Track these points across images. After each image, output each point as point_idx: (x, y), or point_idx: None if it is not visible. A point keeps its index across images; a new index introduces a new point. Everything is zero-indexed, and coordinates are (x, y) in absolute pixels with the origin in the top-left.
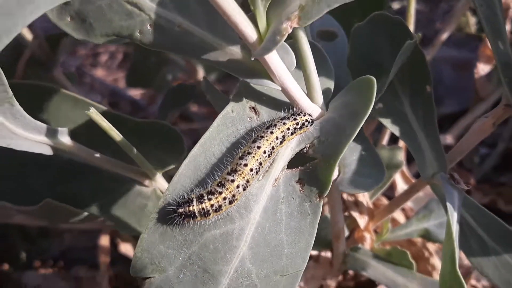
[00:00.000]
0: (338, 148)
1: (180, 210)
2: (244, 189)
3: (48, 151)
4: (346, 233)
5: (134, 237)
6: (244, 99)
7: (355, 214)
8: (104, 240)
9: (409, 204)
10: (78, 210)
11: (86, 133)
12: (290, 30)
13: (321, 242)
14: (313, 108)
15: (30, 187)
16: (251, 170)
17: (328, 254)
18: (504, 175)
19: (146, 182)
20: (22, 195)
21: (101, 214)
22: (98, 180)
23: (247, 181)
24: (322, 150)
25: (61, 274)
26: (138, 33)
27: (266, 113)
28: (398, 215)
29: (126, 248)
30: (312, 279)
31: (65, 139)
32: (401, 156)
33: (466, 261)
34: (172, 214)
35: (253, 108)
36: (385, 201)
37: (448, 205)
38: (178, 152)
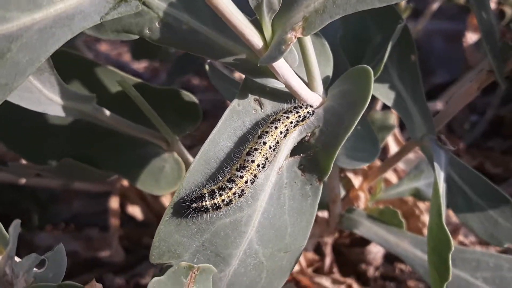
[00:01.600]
0: (338, 138)
1: (194, 205)
2: (252, 183)
3: (77, 116)
4: (343, 193)
5: (141, 200)
6: (249, 94)
7: (350, 175)
8: (114, 203)
9: (401, 165)
10: (96, 170)
11: (108, 98)
12: (294, 40)
13: (319, 204)
14: (314, 97)
15: (52, 149)
16: (258, 165)
17: (325, 214)
18: (492, 140)
19: (164, 145)
20: (44, 155)
21: (120, 173)
22: (118, 143)
23: (255, 176)
24: (322, 139)
25: (72, 236)
26: (147, 31)
27: (270, 105)
28: (391, 176)
29: (133, 210)
30: (310, 237)
31: (92, 105)
32: (393, 119)
33: (454, 219)
34: (186, 209)
35: (258, 100)
36: (378, 162)
37: (435, 164)
38: (194, 117)
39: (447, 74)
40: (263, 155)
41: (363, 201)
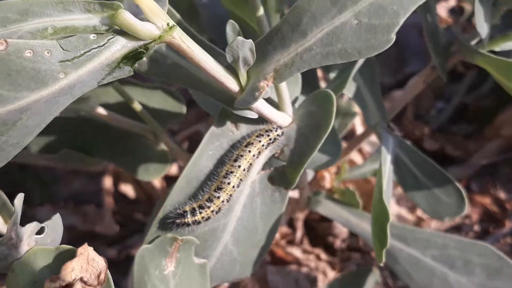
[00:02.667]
0: (303, 158)
1: (177, 221)
2: (228, 201)
3: (75, 113)
4: (312, 174)
5: (133, 179)
6: (226, 119)
7: None
8: (108, 182)
9: (367, 148)
10: (91, 158)
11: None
12: (266, 88)
13: None
14: (284, 118)
15: (51, 141)
16: (233, 187)
17: (296, 194)
18: (456, 126)
19: (152, 137)
20: (44, 146)
21: (114, 162)
22: (111, 135)
23: (231, 195)
24: (290, 157)
25: (70, 211)
26: (136, 64)
27: (244, 127)
28: (357, 157)
29: (126, 189)
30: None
31: (89, 104)
32: (356, 107)
33: None
34: (171, 224)
35: (234, 122)
36: (344, 145)
37: (382, 147)
38: (179, 112)
39: (420, 64)
40: (238, 177)
41: (328, 181)
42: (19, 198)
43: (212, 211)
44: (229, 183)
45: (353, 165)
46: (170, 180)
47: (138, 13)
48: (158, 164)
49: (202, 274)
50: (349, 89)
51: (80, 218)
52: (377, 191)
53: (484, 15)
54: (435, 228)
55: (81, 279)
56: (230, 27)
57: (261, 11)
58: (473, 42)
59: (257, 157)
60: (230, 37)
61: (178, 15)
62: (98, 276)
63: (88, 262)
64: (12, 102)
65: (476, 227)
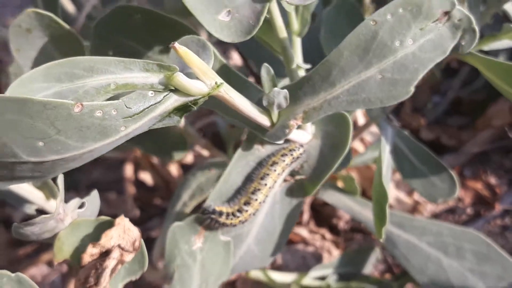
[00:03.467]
0: (322, 174)
1: (213, 216)
2: (253, 215)
3: None
4: None
5: (151, 167)
6: (253, 142)
7: None
8: (128, 171)
9: (368, 137)
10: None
11: None
12: (295, 126)
13: None
14: (305, 136)
15: None
16: (260, 203)
17: None
18: (451, 118)
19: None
20: None
21: (140, 146)
22: None
23: (257, 209)
24: (308, 172)
25: None
26: None
27: (269, 145)
28: (359, 146)
29: (144, 176)
30: None
31: None
32: None
33: None
34: (208, 213)
35: (260, 142)
36: None
37: (382, 137)
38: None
39: None
40: (264, 194)
41: None
42: (60, 178)
43: (240, 221)
44: (256, 199)
45: (355, 153)
46: (186, 168)
47: (185, 68)
48: (179, 149)
49: (226, 250)
50: None
51: (103, 204)
52: (377, 175)
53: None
54: (431, 211)
55: (119, 246)
56: (265, 70)
57: (284, 34)
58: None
59: (281, 175)
60: (264, 80)
61: (223, 60)
62: (134, 243)
63: (124, 231)
64: (77, 150)
65: (469, 210)
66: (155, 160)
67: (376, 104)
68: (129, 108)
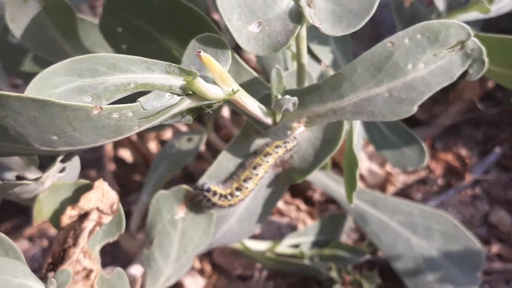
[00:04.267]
0: (310, 167)
1: (206, 194)
2: (243, 200)
3: None
4: None
5: (130, 144)
6: (249, 130)
7: None
8: (109, 148)
9: None
10: None
11: None
12: (298, 129)
13: None
14: (299, 128)
15: None
16: (250, 191)
17: None
18: None
19: None
20: None
21: None
22: None
23: (246, 196)
24: (297, 163)
25: None
26: None
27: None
28: None
29: (124, 154)
30: None
31: None
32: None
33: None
34: (201, 190)
35: (256, 132)
36: None
37: None
38: None
39: None
40: (255, 183)
41: None
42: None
43: (230, 205)
44: (247, 187)
45: None
46: (164, 144)
47: (202, 68)
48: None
49: (208, 222)
50: (327, 58)
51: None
52: (348, 143)
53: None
54: (403, 181)
55: (97, 208)
56: (275, 72)
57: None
58: (434, 15)
59: (273, 165)
60: (274, 82)
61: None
62: (111, 206)
63: (103, 194)
64: (89, 144)
65: (440, 181)
66: (134, 137)
67: (378, 118)
68: (146, 110)
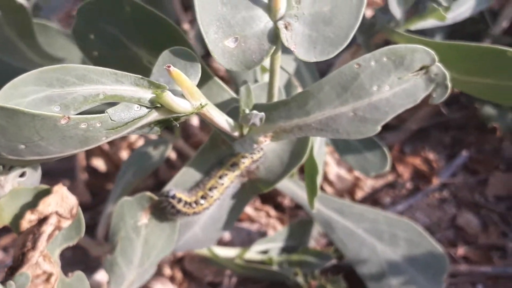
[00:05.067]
0: (276, 179)
1: (171, 200)
2: (207, 209)
3: None
4: None
5: (103, 153)
6: (216, 140)
7: None
8: (81, 158)
9: None
10: None
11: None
12: (264, 143)
13: None
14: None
15: None
16: (215, 200)
17: None
18: None
19: None
20: None
21: None
22: None
23: (211, 204)
24: (263, 174)
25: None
26: None
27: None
28: None
29: (97, 163)
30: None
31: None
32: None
33: None
34: (165, 197)
35: (223, 142)
36: None
37: None
38: None
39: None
40: (220, 193)
41: None
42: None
43: (194, 213)
44: (212, 196)
45: None
46: None
47: (171, 82)
48: None
49: (171, 228)
50: (291, 66)
51: None
52: (310, 151)
53: (397, 1)
54: (371, 186)
55: (56, 212)
56: (245, 88)
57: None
58: (393, 23)
59: (239, 175)
60: (243, 96)
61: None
62: (71, 211)
63: (62, 199)
64: (56, 154)
65: (408, 185)
66: (106, 146)
67: (342, 136)
68: (114, 121)
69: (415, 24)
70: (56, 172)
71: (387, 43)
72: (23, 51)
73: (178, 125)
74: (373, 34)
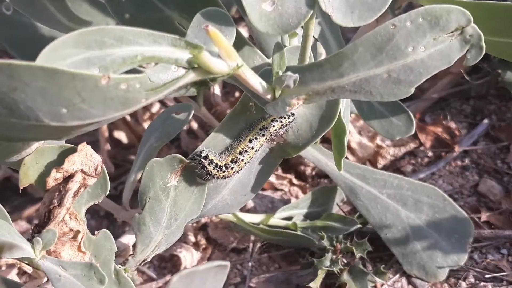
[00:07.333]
0: (305, 143)
1: (203, 161)
2: (237, 172)
3: None
4: None
5: (125, 125)
6: (247, 101)
7: None
8: (104, 130)
9: None
10: None
11: None
12: (297, 105)
13: None
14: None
15: None
16: (245, 163)
17: None
18: None
19: None
20: None
21: None
22: None
23: (241, 168)
24: (292, 138)
25: None
26: None
27: (261, 108)
28: None
29: (119, 135)
30: None
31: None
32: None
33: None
34: (197, 157)
35: (253, 104)
36: None
37: None
38: None
39: None
40: (250, 156)
41: None
42: None
43: (224, 176)
44: (242, 160)
45: None
46: None
47: (207, 42)
48: None
49: (200, 192)
50: (315, 31)
51: None
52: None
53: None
54: (393, 154)
55: (82, 170)
56: (277, 48)
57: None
58: None
59: (268, 139)
60: (275, 58)
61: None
62: (96, 169)
63: (87, 157)
64: (98, 118)
65: (430, 153)
66: (128, 118)
67: (376, 98)
68: (152, 82)
69: None
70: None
71: (411, 6)
72: (52, 13)
73: (201, 94)
74: None
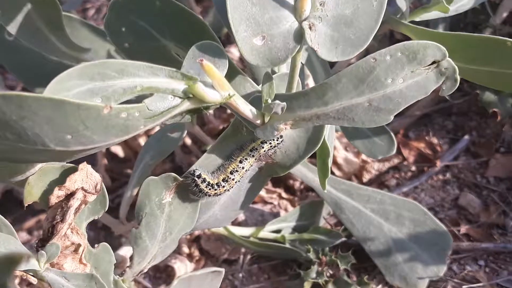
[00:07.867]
0: (292, 164)
1: (196, 179)
2: (228, 191)
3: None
4: None
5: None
6: (237, 125)
7: None
8: None
9: None
10: None
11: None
12: (284, 130)
13: None
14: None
15: None
16: (236, 182)
17: None
18: None
19: None
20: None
21: None
22: None
23: (232, 187)
24: (280, 158)
25: None
26: None
27: (251, 131)
28: None
29: (115, 149)
30: None
31: (89, 54)
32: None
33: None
34: (191, 175)
35: (243, 127)
36: None
37: None
38: None
39: None
40: (241, 176)
41: None
42: None
43: (215, 194)
44: (233, 179)
45: None
46: None
47: (201, 74)
48: None
49: (193, 208)
50: (303, 57)
51: None
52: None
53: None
54: (378, 169)
55: (82, 188)
56: (266, 78)
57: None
58: (399, 15)
59: (258, 159)
60: (265, 87)
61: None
62: (95, 186)
63: (87, 176)
64: (100, 143)
65: (413, 168)
66: None
67: (357, 124)
68: (150, 110)
69: (419, 16)
70: (78, 158)
71: (392, 33)
72: (53, 42)
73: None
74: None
